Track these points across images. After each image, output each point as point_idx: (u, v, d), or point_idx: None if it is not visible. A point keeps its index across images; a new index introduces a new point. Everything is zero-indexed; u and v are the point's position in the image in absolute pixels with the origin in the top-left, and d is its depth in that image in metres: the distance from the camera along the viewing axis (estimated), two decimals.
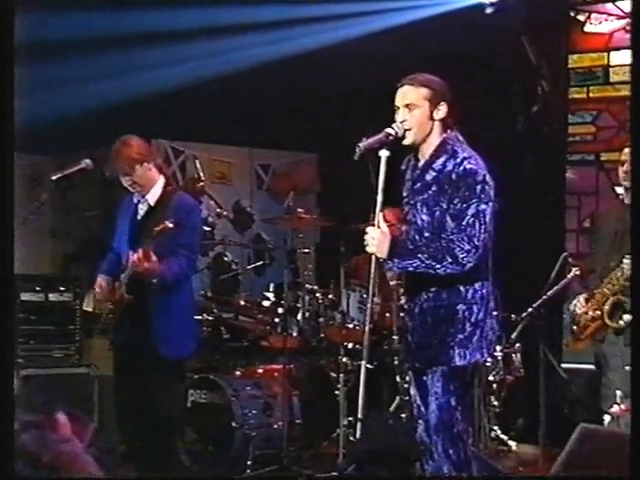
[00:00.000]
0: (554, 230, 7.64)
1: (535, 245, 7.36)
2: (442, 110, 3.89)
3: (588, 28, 7.78)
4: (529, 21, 7.49)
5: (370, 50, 7.25)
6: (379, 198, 3.82)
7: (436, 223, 3.82)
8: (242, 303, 6.60)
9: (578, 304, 5.38)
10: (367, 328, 4.02)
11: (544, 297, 5.75)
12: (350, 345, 6.24)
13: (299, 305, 6.42)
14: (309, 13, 6.95)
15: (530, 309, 5.83)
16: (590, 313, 5.30)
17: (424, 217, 3.87)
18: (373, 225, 3.80)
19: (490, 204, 3.78)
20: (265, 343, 6.64)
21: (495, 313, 3.99)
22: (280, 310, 6.37)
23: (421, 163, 3.94)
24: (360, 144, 3.81)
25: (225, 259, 7.84)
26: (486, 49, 7.39)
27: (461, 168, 3.78)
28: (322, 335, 6.39)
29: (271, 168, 8.74)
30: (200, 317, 6.26)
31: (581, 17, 7.82)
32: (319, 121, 8.05)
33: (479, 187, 3.75)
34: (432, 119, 3.89)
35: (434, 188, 3.84)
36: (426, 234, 3.85)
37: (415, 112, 3.87)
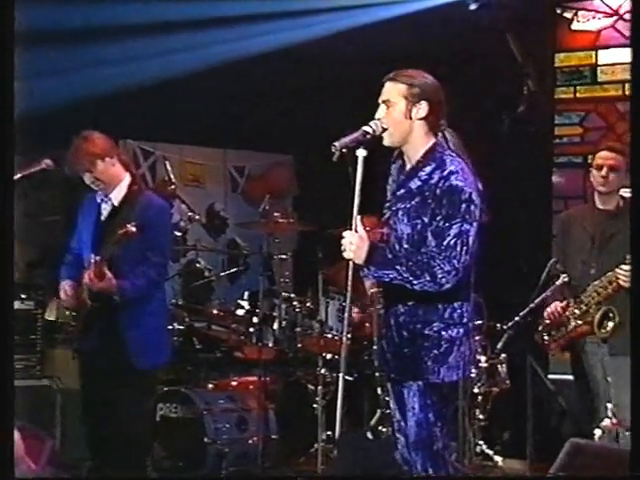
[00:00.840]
0: (540, 235, 7.57)
1: (521, 251, 7.32)
2: (422, 109, 3.77)
3: (575, 26, 7.79)
4: (514, 18, 7.44)
5: (350, 47, 7.20)
6: (356, 201, 3.70)
7: (416, 236, 3.74)
8: (215, 312, 6.55)
9: (555, 312, 5.37)
10: (345, 338, 3.90)
11: (531, 305, 5.65)
12: (329, 356, 6.21)
13: (275, 314, 6.37)
14: (285, 7, 6.90)
15: (516, 318, 5.74)
16: (572, 323, 5.29)
17: (404, 227, 3.79)
18: (351, 229, 3.70)
19: (474, 224, 3.66)
20: (239, 354, 6.60)
21: (477, 329, 3.88)
22: (255, 319, 6.32)
23: (407, 168, 3.84)
24: (336, 143, 3.68)
25: (197, 266, 7.75)
26: (469, 47, 7.38)
27: (447, 183, 3.66)
28: (299, 345, 6.35)
29: (246, 170, 8.71)
30: (171, 327, 6.16)
31: (568, 14, 7.81)
32: (296, 121, 7.97)
33: (464, 206, 3.64)
34: (410, 118, 3.77)
35: (417, 199, 3.75)
36: (405, 245, 3.77)
37: (391, 109, 3.78)
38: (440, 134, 3.80)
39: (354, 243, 3.66)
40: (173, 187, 6.51)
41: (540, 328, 5.42)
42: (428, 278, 3.60)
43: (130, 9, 6.39)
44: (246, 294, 6.50)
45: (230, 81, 7.40)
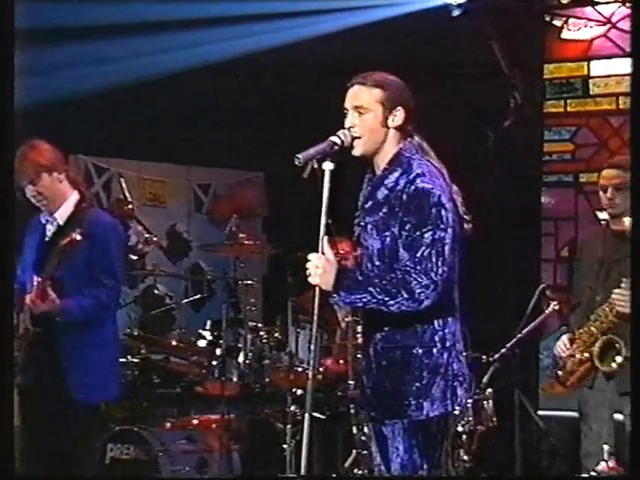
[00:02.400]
0: (528, 260, 7.60)
1: (507, 277, 7.33)
2: (398, 116, 3.64)
3: (566, 34, 7.81)
4: (500, 25, 7.44)
5: (324, 54, 7.18)
6: (323, 220, 3.58)
7: (387, 251, 3.61)
8: (174, 343, 6.44)
9: (562, 345, 5.21)
10: (311, 371, 3.81)
11: (518, 335, 5.64)
12: (299, 391, 6.07)
13: (240, 345, 6.26)
14: (252, 10, 6.84)
15: (503, 349, 5.70)
16: (577, 355, 5.12)
17: (374, 242, 3.66)
18: (317, 251, 3.57)
19: (449, 230, 3.51)
20: (200, 389, 6.48)
21: (464, 355, 3.70)
22: (218, 351, 6.22)
23: (374, 179, 3.72)
24: (299, 155, 3.56)
25: (156, 292, 7.60)
26: (451, 56, 7.43)
27: (412, 187, 3.54)
28: (267, 380, 6.26)
29: (211, 188, 8.66)
30: (124, 359, 6.07)
31: (558, 22, 7.81)
32: (266, 135, 7.91)
33: (434, 211, 3.50)
34: (386, 126, 3.65)
35: (385, 209, 3.63)
36: (377, 262, 3.64)
37: (366, 117, 3.64)
38: (409, 138, 3.69)
39: (320, 267, 3.54)
40: (130, 207, 6.39)
41: (553, 363, 5.35)
42: (405, 296, 3.47)
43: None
44: (208, 323, 6.39)
45: (193, 90, 7.38)
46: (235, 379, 6.26)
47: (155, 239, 6.48)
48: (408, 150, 3.66)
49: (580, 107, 7.74)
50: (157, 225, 7.61)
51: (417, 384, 3.55)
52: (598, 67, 7.65)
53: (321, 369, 6.06)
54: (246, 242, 6.28)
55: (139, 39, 6.66)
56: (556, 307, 5.52)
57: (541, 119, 7.79)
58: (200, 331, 6.39)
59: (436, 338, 3.58)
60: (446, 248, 3.49)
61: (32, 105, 5.61)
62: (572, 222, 7.67)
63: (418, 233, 3.49)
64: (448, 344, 3.60)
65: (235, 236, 6.36)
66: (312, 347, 3.75)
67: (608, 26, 7.55)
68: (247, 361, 6.23)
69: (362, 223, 3.72)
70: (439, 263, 3.46)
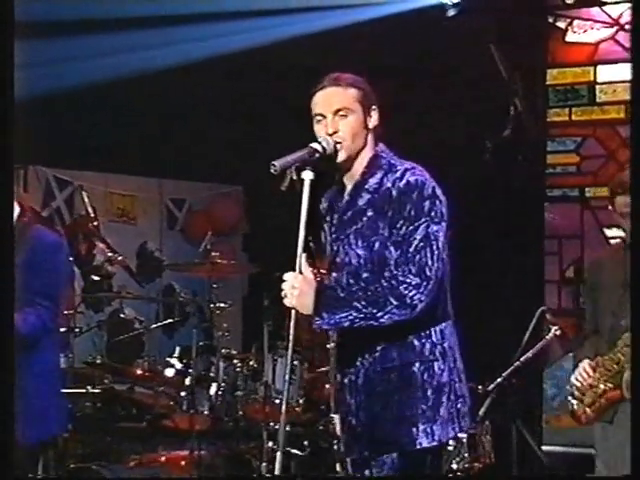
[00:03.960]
0: (530, 281, 7.54)
1: (507, 300, 7.20)
2: (374, 116, 3.69)
3: (570, 37, 7.79)
4: (499, 27, 7.40)
5: (308, 56, 7.07)
6: (301, 235, 3.52)
7: (376, 257, 3.57)
8: (139, 372, 6.37)
9: (583, 373, 5.05)
10: (284, 406, 3.70)
11: (516, 363, 5.53)
12: (277, 426, 5.83)
13: (212, 375, 6.19)
14: (230, 7, 6.86)
15: (499, 379, 5.59)
16: (601, 386, 4.96)
17: (360, 252, 3.61)
18: (294, 270, 3.51)
19: (443, 224, 3.54)
20: (168, 423, 6.40)
21: (464, 374, 3.67)
22: (187, 381, 6.13)
23: (350, 187, 3.70)
24: (276, 162, 3.54)
25: (122, 316, 7.51)
26: (446, 60, 7.34)
27: (403, 182, 3.55)
28: (240, 413, 6.18)
29: (186, 203, 8.62)
30: (84, 390, 6.04)
31: (562, 24, 7.79)
32: (247, 146, 7.83)
33: (427, 203, 3.51)
34: (367, 128, 3.67)
35: (369, 213, 3.61)
36: (364, 274, 3.58)
37: (349, 119, 3.63)
38: (381, 144, 3.74)
39: (297, 287, 3.48)
40: (95, 223, 6.39)
41: (569, 394, 5.17)
42: (395, 303, 3.43)
43: None
44: (177, 350, 6.29)
45: (165, 95, 7.37)
46: (206, 412, 6.19)
47: (120, 258, 6.42)
48: (384, 152, 3.69)
49: (586, 115, 7.74)
50: (126, 243, 7.69)
51: (422, 406, 3.50)
52: (605, 72, 7.66)
53: (301, 401, 6.02)
54: (219, 261, 6.23)
55: (111, 37, 6.71)
56: (557, 332, 5.44)
57: (544, 128, 7.80)
58: (168, 359, 6.32)
59: (436, 351, 3.54)
60: (440, 242, 3.49)
61: None
62: (578, 240, 7.65)
63: (411, 227, 3.48)
64: (449, 357, 3.56)
65: (209, 255, 6.33)
66: (287, 377, 3.71)
67: (616, 28, 7.54)
68: (219, 392, 6.15)
69: (342, 236, 3.68)
70: (434, 257, 3.45)
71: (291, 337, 3.53)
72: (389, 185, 3.56)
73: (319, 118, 3.64)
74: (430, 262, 3.44)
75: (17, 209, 4.66)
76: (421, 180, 3.52)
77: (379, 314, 3.43)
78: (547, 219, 7.74)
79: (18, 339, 4.34)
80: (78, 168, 7.78)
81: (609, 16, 7.55)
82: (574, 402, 5.10)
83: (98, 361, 6.42)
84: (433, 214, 3.49)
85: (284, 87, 7.43)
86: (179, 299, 7.21)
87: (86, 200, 6.40)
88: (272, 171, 3.53)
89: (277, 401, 6.00)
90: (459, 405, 3.56)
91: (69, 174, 7.77)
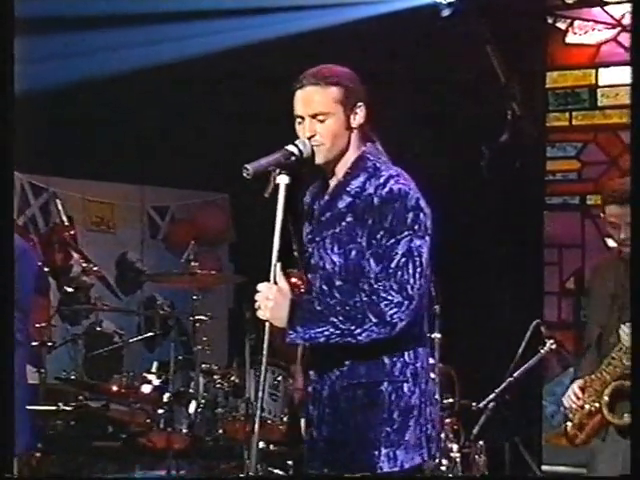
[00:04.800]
0: (529, 293, 7.50)
1: (504, 313, 7.12)
2: (360, 114, 3.59)
3: (571, 39, 7.77)
4: (496, 28, 7.26)
5: (298, 57, 6.96)
6: (276, 243, 3.50)
7: (352, 266, 3.51)
8: (114, 388, 6.32)
9: (572, 395, 5.00)
10: (257, 426, 3.58)
11: (509, 379, 5.52)
12: (261, 444, 5.91)
13: (191, 391, 6.15)
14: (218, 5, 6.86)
15: (491, 395, 5.61)
16: (587, 406, 4.92)
17: (335, 258, 3.55)
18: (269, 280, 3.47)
19: (427, 239, 3.46)
20: (145, 441, 6.34)
21: (436, 398, 3.57)
22: (165, 397, 6.10)
23: (332, 186, 3.64)
24: (248, 165, 3.49)
25: (99, 329, 7.45)
26: (440, 62, 7.31)
27: (385, 190, 3.47)
28: (221, 431, 6.14)
29: (169, 211, 8.57)
30: (55, 407, 5.99)
31: (562, 25, 7.76)
32: (233, 151, 7.58)
33: (410, 215, 3.44)
34: (349, 127, 3.58)
35: (349, 219, 3.53)
36: (338, 282, 3.53)
37: (328, 122, 3.55)
38: (370, 144, 3.65)
39: (271, 298, 3.44)
40: (72, 232, 6.43)
41: (562, 415, 5.17)
42: (375, 320, 3.37)
43: None
44: (155, 365, 6.32)
45: (147, 98, 7.33)
46: (184, 430, 6.15)
47: (95, 269, 6.41)
48: (372, 153, 3.61)
49: (587, 120, 7.71)
50: (105, 253, 7.73)
51: (386, 429, 3.44)
52: (607, 75, 7.64)
53: (285, 419, 6.04)
54: (199, 272, 6.19)
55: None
56: (553, 346, 5.43)
57: (543, 134, 7.76)
58: (145, 374, 6.30)
59: (408, 372, 3.48)
60: (424, 259, 3.42)
61: None
62: (578, 250, 7.61)
63: (392, 240, 3.42)
64: (420, 380, 3.51)
65: (189, 265, 6.29)
66: (259, 394, 3.64)
67: (618, 29, 7.52)
68: (198, 409, 6.11)
69: (317, 239, 3.62)
70: (416, 275, 3.39)
71: (265, 352, 3.51)
72: (371, 191, 3.49)
73: (299, 120, 3.59)
74: (412, 280, 3.37)
75: None
76: (404, 190, 3.45)
77: (357, 331, 3.37)
78: (546, 227, 7.72)
79: None
80: (54, 174, 7.73)
81: (611, 16, 7.52)
82: (567, 423, 5.04)
83: (72, 377, 6.39)
84: (416, 227, 3.42)
85: (274, 89, 7.41)
86: (159, 311, 7.11)
87: (60, 208, 6.39)
88: (244, 175, 3.48)
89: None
90: (428, 430, 3.50)
91: (45, 180, 7.70)
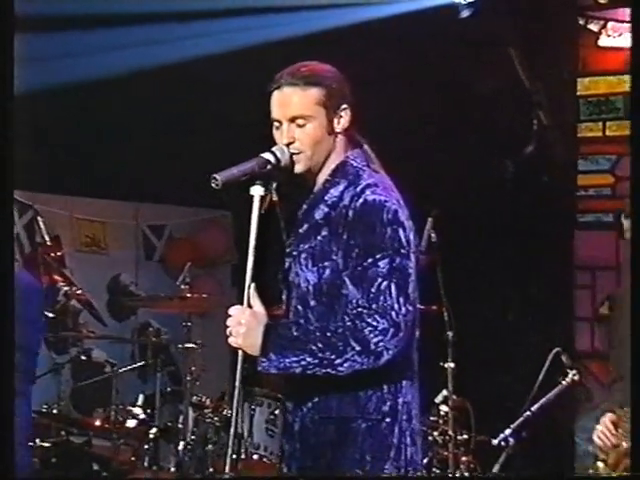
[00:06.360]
0: (559, 319, 7.45)
1: (529, 340, 7.11)
2: (345, 117, 3.51)
3: (604, 41, 7.75)
4: (521, 29, 7.35)
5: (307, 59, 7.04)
6: (250, 260, 3.44)
7: (325, 287, 3.42)
8: (97, 423, 6.33)
9: (605, 431, 4.95)
10: (228, 466, 3.57)
11: (527, 413, 5.49)
12: None
13: (179, 425, 6.14)
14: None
15: (507, 431, 5.56)
16: (624, 444, 4.84)
17: (309, 276, 3.47)
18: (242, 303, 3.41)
19: (412, 257, 3.36)
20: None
21: (420, 436, 3.52)
22: (152, 432, 6.10)
23: (310, 195, 3.57)
24: (217, 175, 3.42)
25: (84, 358, 7.42)
26: (460, 66, 7.27)
27: (360, 201, 3.38)
28: (211, 470, 6.09)
29: (166, 230, 8.60)
30: (32, 443, 5.88)
31: (594, 26, 7.74)
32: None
33: (389, 230, 3.34)
34: (333, 132, 3.50)
35: (324, 232, 3.45)
36: (312, 302, 3.45)
37: (308, 127, 3.47)
38: (357, 149, 3.56)
39: (244, 324, 3.37)
40: (59, 253, 6.56)
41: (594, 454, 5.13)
42: (357, 348, 3.27)
43: None
44: (141, 398, 6.33)
45: (142, 107, 7.29)
46: (172, 468, 6.16)
47: (79, 292, 6.41)
48: (356, 159, 3.53)
49: (622, 131, 7.59)
50: (96, 276, 7.73)
51: (358, 471, 3.36)
52: None
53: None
54: (189, 295, 6.19)
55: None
56: (575, 377, 5.40)
57: (574, 145, 7.71)
58: (130, 407, 6.28)
59: (384, 408, 3.38)
60: (409, 280, 3.33)
61: None
62: (613, 272, 7.52)
63: (370, 260, 3.32)
64: (402, 416, 3.41)
65: (183, 288, 6.32)
66: (232, 430, 3.55)
67: None
68: (188, 446, 6.10)
69: (294, 253, 3.54)
70: (400, 300, 3.29)
71: (237, 384, 3.43)
72: (347, 202, 3.41)
73: (276, 124, 3.49)
74: (397, 305, 3.28)
75: None
76: (380, 200, 3.35)
77: (337, 361, 3.29)
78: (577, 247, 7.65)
79: None
80: (40, 190, 7.66)
81: None
82: (599, 464, 4.99)
83: (54, 410, 6.38)
84: (397, 245, 3.32)
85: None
86: (151, 338, 7.08)
87: (42, 226, 6.40)
88: (213, 185, 3.41)
89: (255, 457, 5.94)
90: (409, 473, 3.41)
91: (30, 197, 7.62)
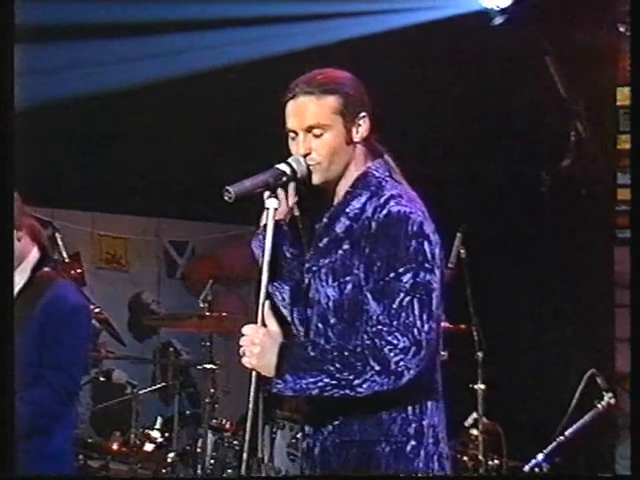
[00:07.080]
0: (597, 339, 7.37)
1: (565, 362, 7.10)
2: (364, 125, 3.46)
3: None
4: (557, 37, 7.24)
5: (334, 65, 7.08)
6: (264, 278, 3.44)
7: (347, 303, 3.38)
8: (115, 447, 6.32)
9: None
10: None
11: (560, 438, 5.45)
12: None
13: (198, 449, 6.11)
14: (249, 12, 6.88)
15: (539, 456, 5.54)
16: None
17: (330, 292, 3.42)
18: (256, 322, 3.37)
19: (436, 272, 3.30)
20: None
21: (447, 459, 3.45)
22: (170, 457, 6.12)
23: (332, 208, 3.52)
24: (230, 187, 3.40)
25: (104, 379, 7.36)
26: (492, 76, 7.26)
27: (383, 212, 3.34)
28: None
29: (188, 247, 8.63)
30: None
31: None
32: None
33: (414, 243, 3.29)
34: (351, 142, 3.46)
35: (345, 246, 3.41)
36: (332, 320, 3.41)
37: (326, 137, 3.43)
38: (379, 159, 3.53)
39: (258, 343, 3.33)
40: (79, 271, 6.69)
41: None
42: (377, 368, 3.22)
43: None
44: (159, 421, 6.37)
45: (164, 120, 7.31)
46: None
47: (96, 310, 6.34)
48: (378, 169, 3.50)
49: None
50: (117, 293, 7.82)
51: None
52: None
53: None
54: (207, 314, 6.19)
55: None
56: (612, 400, 5.42)
57: (613, 158, 7.64)
58: (147, 431, 6.31)
59: (409, 430, 3.34)
60: (433, 297, 3.28)
61: None
62: None
63: (392, 274, 3.27)
64: (427, 441, 3.36)
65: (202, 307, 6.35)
66: (244, 455, 3.45)
67: None
68: (207, 470, 6.06)
69: (314, 268, 3.49)
70: (423, 317, 3.24)
71: (251, 406, 3.42)
72: (369, 214, 3.36)
73: (292, 135, 3.45)
74: (419, 322, 3.23)
75: (36, 252, 4.51)
76: (405, 212, 3.30)
77: (356, 381, 3.24)
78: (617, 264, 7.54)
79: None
80: (60, 206, 7.72)
81: None
82: None
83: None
84: (421, 258, 3.27)
85: None
86: (171, 359, 7.08)
87: (60, 243, 6.35)
88: (226, 198, 3.40)
89: None
90: None
91: (49, 213, 7.58)
